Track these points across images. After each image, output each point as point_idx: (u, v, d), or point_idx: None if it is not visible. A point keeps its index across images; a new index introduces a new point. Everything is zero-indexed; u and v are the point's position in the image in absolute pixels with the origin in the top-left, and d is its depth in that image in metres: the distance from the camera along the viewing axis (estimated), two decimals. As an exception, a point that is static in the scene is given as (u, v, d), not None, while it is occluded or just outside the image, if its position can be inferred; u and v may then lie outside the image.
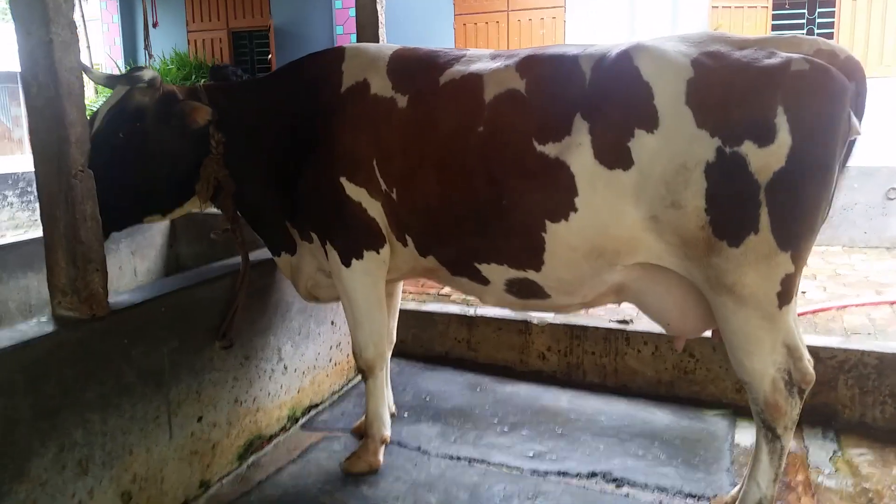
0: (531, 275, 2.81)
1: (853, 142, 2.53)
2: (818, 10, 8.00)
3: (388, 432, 3.44)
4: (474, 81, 2.80)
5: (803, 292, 5.28)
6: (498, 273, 2.89)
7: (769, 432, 2.65)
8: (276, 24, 10.20)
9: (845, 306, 4.86)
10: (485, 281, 2.96)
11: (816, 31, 8.06)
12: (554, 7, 8.98)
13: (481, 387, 4.32)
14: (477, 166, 2.74)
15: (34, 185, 10.38)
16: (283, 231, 3.27)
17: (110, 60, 10.74)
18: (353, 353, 3.28)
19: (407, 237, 3.03)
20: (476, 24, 9.27)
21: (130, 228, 5.00)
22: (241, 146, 3.15)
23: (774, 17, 8.17)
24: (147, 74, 3.00)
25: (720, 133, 2.38)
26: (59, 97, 2.49)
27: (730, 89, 2.40)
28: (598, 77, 2.60)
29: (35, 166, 2.59)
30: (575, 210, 2.62)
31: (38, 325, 2.55)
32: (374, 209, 3.01)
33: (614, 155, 2.53)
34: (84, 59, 7.36)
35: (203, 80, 6.29)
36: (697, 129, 2.41)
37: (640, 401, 4.08)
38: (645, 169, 2.49)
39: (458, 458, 3.47)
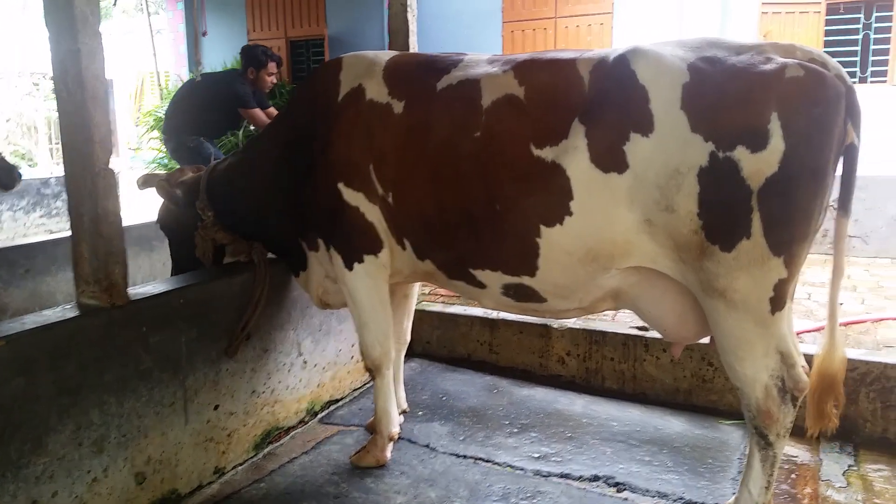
0: (526, 280, 2.87)
1: (854, 152, 2.50)
2: (875, 13, 7.72)
3: (396, 429, 3.54)
4: (472, 87, 2.87)
5: (840, 304, 5.14)
6: (493, 278, 2.96)
7: (762, 439, 2.64)
8: (331, 33, 10.48)
9: (881, 319, 4.72)
10: (481, 285, 3.03)
11: (873, 35, 7.78)
12: (601, 14, 8.95)
13: (498, 389, 4.38)
14: (472, 171, 2.81)
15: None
16: (300, 250, 3.48)
17: (176, 67, 11.28)
18: (361, 352, 3.41)
19: (405, 241, 3.13)
20: (524, 31, 9.32)
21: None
22: (252, 191, 3.54)
23: (828, 23, 7.91)
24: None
25: (713, 138, 2.39)
26: (85, 101, 2.70)
27: (724, 94, 2.41)
28: (596, 81, 2.64)
29: (65, 165, 2.82)
30: (570, 214, 2.66)
31: (62, 311, 2.76)
32: (373, 214, 3.12)
33: (610, 158, 2.55)
34: (150, 67, 7.70)
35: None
36: (691, 134, 2.42)
37: (656, 408, 4.07)
38: (639, 172, 2.51)
39: (464, 457, 3.54)
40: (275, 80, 6.53)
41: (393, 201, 3.05)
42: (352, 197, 3.11)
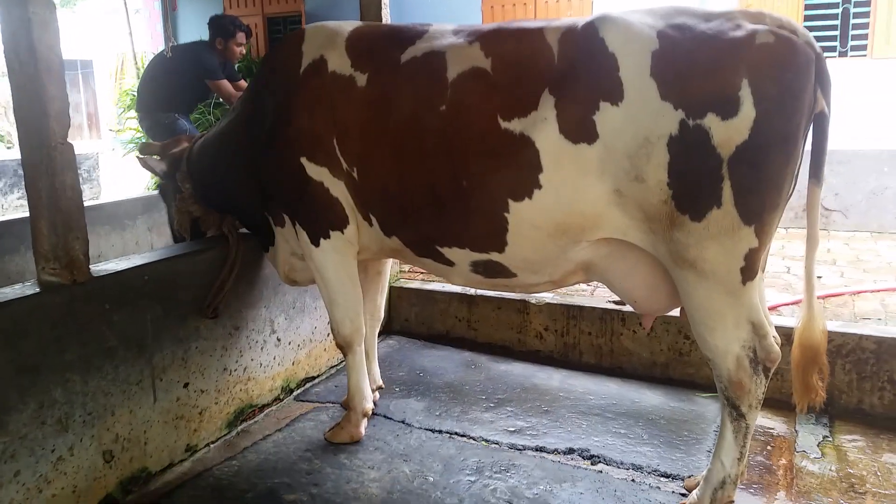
0: (495, 256, 2.82)
1: (825, 120, 2.47)
2: (854, -10, 7.69)
3: (370, 405, 3.51)
4: (437, 59, 2.79)
5: (819, 277, 5.14)
6: (461, 255, 2.91)
7: (734, 410, 2.62)
8: (308, 10, 10.34)
9: (859, 292, 4.72)
10: (449, 263, 2.99)
11: (852, 9, 7.74)
12: (582, -12, 8.87)
13: (476, 365, 4.36)
14: (437, 147, 2.74)
15: (82, 168, 10.59)
16: (268, 225, 3.44)
17: (153, 46, 11.06)
18: (331, 329, 3.37)
19: (371, 217, 3.07)
20: (503, 6, 9.21)
21: (148, 205, 5.26)
22: (223, 164, 3.50)
23: (808, -3, 7.88)
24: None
25: (684, 105, 2.34)
26: (39, 73, 2.62)
27: (694, 61, 2.36)
28: (565, 50, 2.58)
29: (19, 139, 2.73)
30: (539, 187, 2.61)
31: (21, 288, 2.70)
32: (337, 189, 3.06)
33: (579, 129, 2.50)
34: (127, 47, 7.43)
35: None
36: (661, 102, 2.37)
37: (633, 382, 4.07)
38: (609, 142, 2.47)
39: (440, 432, 3.52)
40: (243, 51, 6.36)
41: (358, 176, 2.98)
42: (315, 172, 3.05)
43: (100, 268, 2.97)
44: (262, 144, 3.21)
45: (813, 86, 2.38)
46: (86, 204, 4.63)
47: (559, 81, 2.54)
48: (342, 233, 3.13)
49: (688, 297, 2.58)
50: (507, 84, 2.64)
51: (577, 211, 2.60)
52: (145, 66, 6.38)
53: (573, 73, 2.53)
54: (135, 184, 11.05)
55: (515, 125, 2.60)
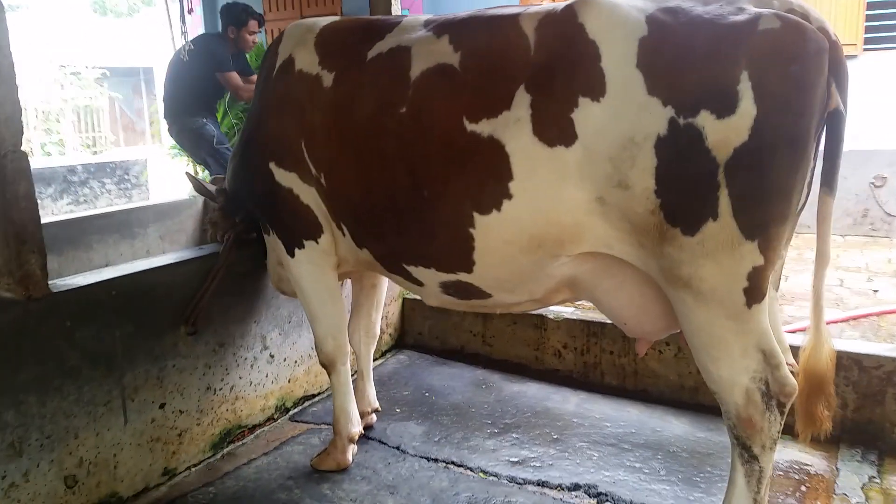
0: (463, 277, 2.54)
1: (840, 120, 2.10)
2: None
3: (356, 430, 3.24)
4: (401, 56, 2.53)
5: (875, 291, 4.65)
6: (428, 275, 2.65)
7: (745, 451, 2.25)
8: (346, 12, 10.19)
9: (920, 309, 4.22)
10: (418, 282, 2.73)
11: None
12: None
13: (487, 384, 4.06)
14: (397, 153, 2.48)
15: (131, 173, 10.67)
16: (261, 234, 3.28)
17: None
18: (315, 346, 3.14)
19: (343, 226, 2.84)
20: (542, 0, 8.86)
21: (159, 213, 5.14)
22: (232, 169, 3.31)
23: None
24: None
25: (674, 101, 2.02)
26: (-14, 75, 2.46)
27: (687, 50, 2.03)
28: (543, 39, 2.27)
29: (-29, 146, 2.58)
30: (509, 197, 2.30)
31: (-30, 305, 2.55)
32: (308, 196, 2.84)
33: (556, 129, 2.19)
34: (171, 49, 7.27)
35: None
36: (648, 97, 2.04)
37: (658, 407, 3.70)
38: (590, 144, 2.15)
39: (436, 461, 3.25)
40: (256, 40, 6.14)
41: (325, 183, 2.76)
42: (284, 178, 2.85)
43: (63, 282, 2.80)
44: (241, 148, 3.04)
45: (826, 79, 2.01)
46: (95, 212, 4.54)
47: (536, 76, 2.23)
48: (316, 242, 2.90)
49: (685, 321, 2.23)
50: (476, 81, 2.34)
51: (554, 222, 2.28)
52: (167, 71, 6.27)
53: (548, 64, 2.22)
54: (182, 189, 11.18)
55: (483, 127, 2.30)
